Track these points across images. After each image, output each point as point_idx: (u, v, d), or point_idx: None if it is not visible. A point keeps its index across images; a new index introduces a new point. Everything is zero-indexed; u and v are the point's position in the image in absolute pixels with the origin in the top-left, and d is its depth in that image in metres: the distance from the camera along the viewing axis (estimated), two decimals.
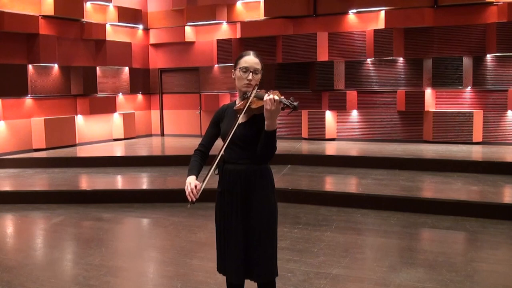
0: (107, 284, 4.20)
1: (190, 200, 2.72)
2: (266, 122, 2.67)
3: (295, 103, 2.62)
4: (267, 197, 2.90)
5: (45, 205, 7.11)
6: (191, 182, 2.77)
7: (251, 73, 2.88)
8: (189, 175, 2.88)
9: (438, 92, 10.76)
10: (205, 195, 7.98)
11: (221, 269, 2.99)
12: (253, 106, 2.77)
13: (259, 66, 2.91)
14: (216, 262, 3.02)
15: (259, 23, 11.92)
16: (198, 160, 2.98)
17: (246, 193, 2.87)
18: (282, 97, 2.63)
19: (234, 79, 2.98)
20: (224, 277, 3.04)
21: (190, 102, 13.27)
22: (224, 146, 2.81)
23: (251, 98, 2.79)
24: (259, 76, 2.92)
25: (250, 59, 2.90)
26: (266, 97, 2.63)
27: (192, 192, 2.72)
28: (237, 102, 2.98)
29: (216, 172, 2.97)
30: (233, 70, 2.98)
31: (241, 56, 2.94)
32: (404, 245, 5.13)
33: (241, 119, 2.83)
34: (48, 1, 10.51)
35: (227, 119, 2.96)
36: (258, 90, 2.82)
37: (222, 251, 2.95)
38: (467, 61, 10.23)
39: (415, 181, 7.52)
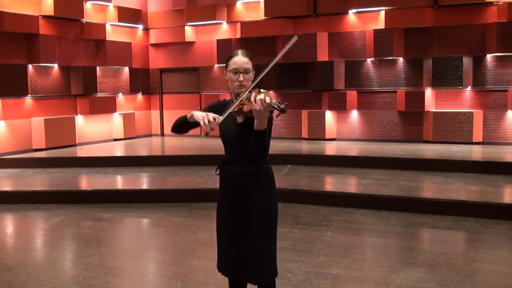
0: (107, 284, 4.20)
1: (206, 131, 2.64)
2: (255, 122, 2.64)
3: (282, 106, 2.59)
4: (267, 198, 2.89)
5: (45, 205, 7.11)
6: (208, 114, 2.68)
7: (241, 74, 2.83)
8: (191, 113, 2.80)
9: (438, 92, 10.76)
10: (205, 195, 7.94)
11: (221, 268, 3.01)
12: (246, 109, 2.74)
13: (249, 65, 2.85)
14: (217, 261, 3.05)
15: (259, 23, 11.92)
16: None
17: (246, 194, 2.87)
18: (274, 100, 2.60)
19: (227, 80, 2.93)
20: (225, 277, 3.05)
21: (190, 102, 13.26)
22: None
23: (242, 99, 2.75)
24: (250, 75, 2.86)
25: (239, 60, 2.85)
26: (253, 97, 2.60)
27: (210, 123, 2.64)
28: (234, 101, 2.97)
29: (217, 172, 2.98)
30: (224, 71, 2.95)
31: (230, 57, 2.89)
32: (404, 245, 5.13)
33: (238, 119, 2.84)
34: (48, 1, 10.51)
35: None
36: (252, 91, 2.75)
37: (220, 250, 3.00)
38: (467, 61, 10.23)
39: (415, 181, 7.52)
